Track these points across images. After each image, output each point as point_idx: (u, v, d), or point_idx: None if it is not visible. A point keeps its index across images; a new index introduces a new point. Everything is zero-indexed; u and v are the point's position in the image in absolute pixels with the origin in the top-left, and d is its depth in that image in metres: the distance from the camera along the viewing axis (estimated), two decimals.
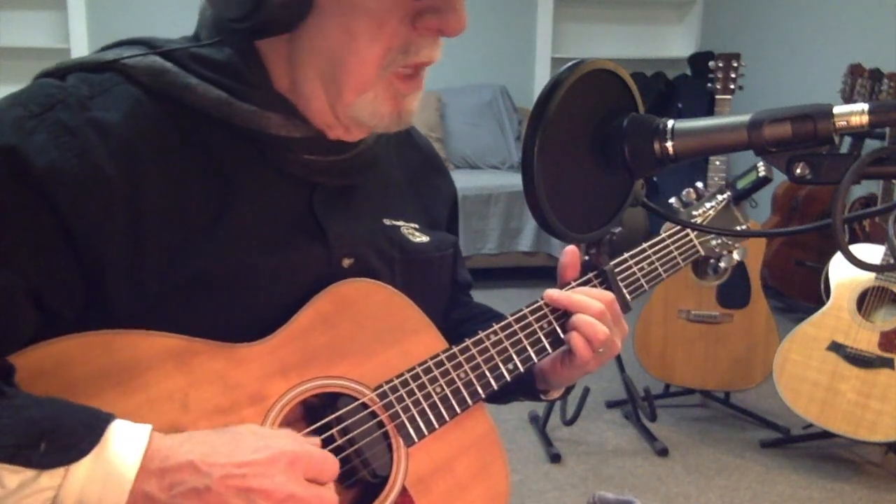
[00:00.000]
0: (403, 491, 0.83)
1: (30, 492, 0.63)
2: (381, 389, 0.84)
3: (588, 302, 0.94)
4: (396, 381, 0.85)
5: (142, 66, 0.79)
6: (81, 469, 0.64)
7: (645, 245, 1.05)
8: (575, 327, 0.93)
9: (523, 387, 1.02)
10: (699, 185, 1.14)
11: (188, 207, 0.77)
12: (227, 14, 0.77)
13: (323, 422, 0.81)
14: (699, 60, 4.97)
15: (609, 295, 0.96)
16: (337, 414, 0.81)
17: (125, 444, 0.65)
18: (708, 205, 1.13)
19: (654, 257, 1.05)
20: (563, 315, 0.96)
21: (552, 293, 0.96)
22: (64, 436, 0.64)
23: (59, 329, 0.72)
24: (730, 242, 1.13)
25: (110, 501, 0.64)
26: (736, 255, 1.13)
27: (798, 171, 0.61)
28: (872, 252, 2.62)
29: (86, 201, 0.72)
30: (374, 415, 0.83)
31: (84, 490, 0.64)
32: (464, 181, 4.18)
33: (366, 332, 0.86)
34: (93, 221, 0.72)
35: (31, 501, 0.63)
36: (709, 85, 2.77)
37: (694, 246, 1.10)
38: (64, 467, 0.63)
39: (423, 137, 1.07)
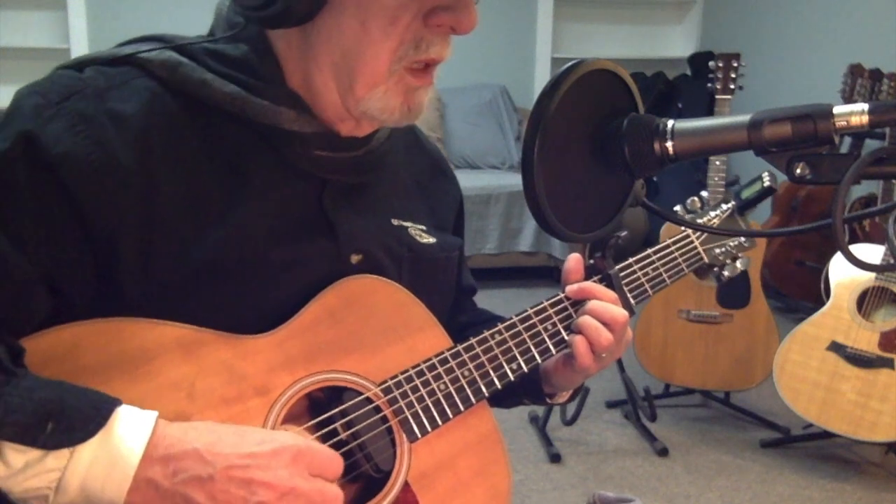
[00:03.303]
0: (406, 486, 0.84)
1: (35, 472, 0.64)
2: (385, 385, 0.85)
3: (603, 289, 0.97)
4: (401, 377, 0.86)
5: (158, 60, 0.80)
6: (86, 451, 0.65)
7: (650, 251, 1.06)
8: (580, 329, 0.94)
9: (529, 389, 1.03)
10: (704, 193, 1.15)
11: (201, 199, 0.78)
12: (246, 1, 0.77)
13: (327, 415, 0.82)
14: (699, 60, 4.97)
15: (613, 295, 0.97)
16: (341, 407, 0.82)
17: (131, 430, 0.66)
18: (712, 213, 1.14)
19: (658, 263, 1.06)
20: (568, 317, 0.96)
21: (571, 287, 0.98)
22: (70, 417, 0.65)
23: (70, 315, 0.73)
24: (734, 251, 1.14)
25: (114, 485, 0.65)
26: (739, 265, 1.14)
27: (798, 171, 0.61)
28: (872, 252, 2.63)
29: (100, 190, 0.73)
30: (378, 410, 0.84)
31: (88, 473, 0.64)
32: (464, 181, 4.11)
33: (371, 328, 0.86)
34: (106, 210, 0.73)
35: (37, 482, 0.64)
36: (709, 85, 2.77)
37: (698, 253, 1.11)
38: (69, 449, 0.64)
39: (430, 141, 1.08)
